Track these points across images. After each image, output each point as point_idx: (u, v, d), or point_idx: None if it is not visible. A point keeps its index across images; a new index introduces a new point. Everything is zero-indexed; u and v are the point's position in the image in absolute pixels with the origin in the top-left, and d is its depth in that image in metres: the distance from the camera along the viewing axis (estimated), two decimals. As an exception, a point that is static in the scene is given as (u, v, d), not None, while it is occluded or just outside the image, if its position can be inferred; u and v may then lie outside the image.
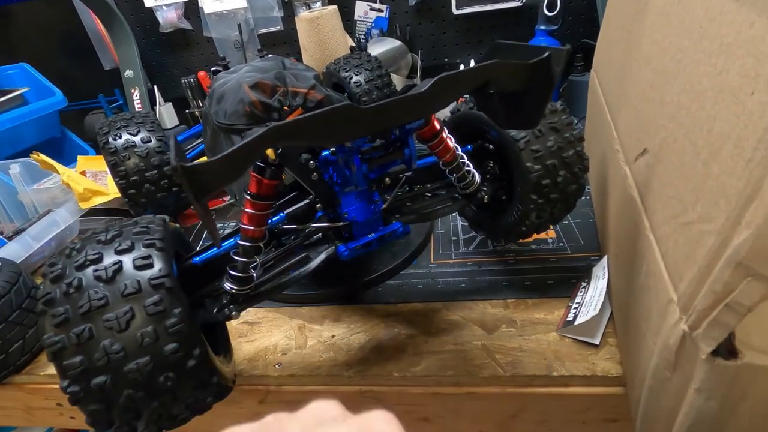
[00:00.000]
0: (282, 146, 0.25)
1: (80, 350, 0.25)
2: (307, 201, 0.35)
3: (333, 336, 0.45)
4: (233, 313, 0.33)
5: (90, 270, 0.27)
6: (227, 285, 0.32)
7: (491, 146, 0.43)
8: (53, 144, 0.90)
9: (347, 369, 0.41)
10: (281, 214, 0.35)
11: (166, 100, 1.00)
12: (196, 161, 0.19)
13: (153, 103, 0.96)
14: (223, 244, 0.33)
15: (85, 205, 0.68)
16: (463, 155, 0.38)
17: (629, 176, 0.33)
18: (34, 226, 0.66)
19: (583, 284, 0.44)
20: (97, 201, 0.69)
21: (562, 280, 0.48)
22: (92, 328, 0.25)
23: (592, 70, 0.55)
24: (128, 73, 0.90)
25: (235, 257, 0.31)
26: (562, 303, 0.45)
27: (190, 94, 0.97)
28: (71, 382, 0.25)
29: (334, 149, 0.32)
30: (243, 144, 0.19)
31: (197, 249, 0.35)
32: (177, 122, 1.02)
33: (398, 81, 0.85)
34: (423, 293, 0.49)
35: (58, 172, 0.67)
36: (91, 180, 0.72)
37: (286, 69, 0.46)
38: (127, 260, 0.27)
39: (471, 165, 0.39)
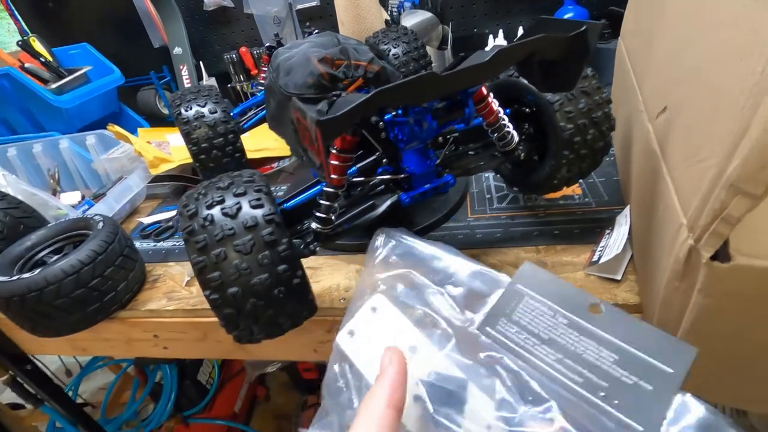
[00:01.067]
0: (384, 105, 0.31)
1: (218, 267, 0.33)
2: (373, 158, 0.42)
3: (387, 277, 0.53)
4: (317, 249, 0.40)
5: (218, 208, 0.34)
6: (313, 225, 0.39)
7: (527, 109, 0.48)
8: (113, 118, 0.98)
9: (402, 302, 0.49)
10: (353, 168, 0.42)
11: (209, 75, 1.07)
12: (328, 116, 0.25)
13: (199, 78, 1.03)
14: (308, 192, 0.41)
15: (155, 171, 0.76)
16: (504, 117, 0.44)
17: (651, 132, 0.38)
18: (112, 190, 0.74)
19: (608, 231, 0.51)
20: (164, 168, 0.77)
21: (588, 229, 0.54)
22: (226, 251, 0.33)
23: (619, 38, 0.59)
24: (177, 50, 0.97)
25: (320, 201, 0.38)
26: (588, 248, 0.51)
27: (232, 69, 1.04)
28: (212, 291, 0.33)
29: (397, 112, 0.38)
30: (358, 103, 0.25)
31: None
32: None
33: (431, 52, 0.90)
34: (462, 242, 0.56)
35: (130, 142, 0.75)
36: (157, 149, 0.80)
37: (341, 44, 0.52)
38: (244, 202, 0.35)
39: (511, 126, 0.45)
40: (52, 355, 1.20)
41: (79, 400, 1.26)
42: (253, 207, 0.35)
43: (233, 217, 0.34)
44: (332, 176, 0.37)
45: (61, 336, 0.54)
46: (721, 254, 0.26)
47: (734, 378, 0.33)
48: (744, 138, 0.23)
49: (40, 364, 0.74)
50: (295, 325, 0.40)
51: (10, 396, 0.79)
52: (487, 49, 0.41)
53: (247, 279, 0.33)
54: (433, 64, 0.86)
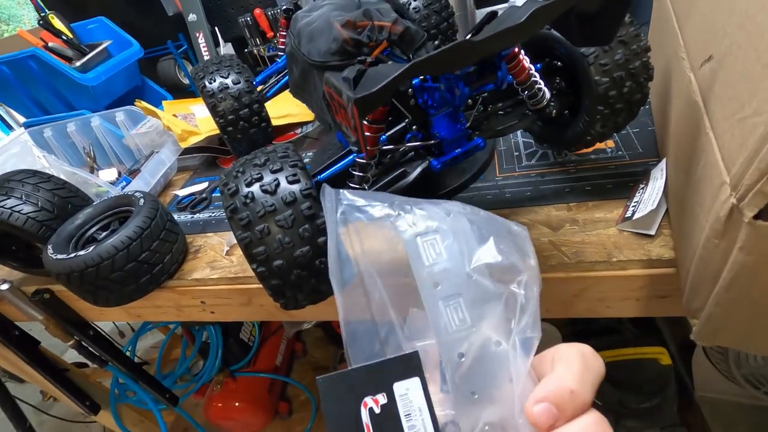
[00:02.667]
0: (417, 77, 0.31)
1: (262, 242, 0.35)
2: (402, 124, 0.42)
3: (418, 240, 0.54)
4: (352, 218, 0.42)
5: (257, 186, 0.36)
6: (347, 196, 0.40)
7: (559, 63, 0.47)
8: (137, 92, 0.99)
9: (435, 264, 0.50)
10: (383, 137, 0.42)
11: (225, 41, 1.05)
12: (364, 93, 0.25)
13: (216, 44, 1.01)
14: (340, 164, 0.41)
15: (184, 145, 0.78)
16: (535, 73, 0.43)
17: (693, 82, 0.37)
18: (146, 165, 0.77)
19: (642, 185, 0.50)
20: (193, 140, 0.79)
21: (621, 184, 0.53)
22: (269, 227, 0.35)
23: (659, -26, 0.55)
24: (192, 17, 0.95)
25: (353, 172, 0.39)
26: (621, 203, 0.50)
27: (247, 33, 1.02)
28: (259, 264, 0.35)
29: (426, 78, 0.38)
30: (392, 78, 0.25)
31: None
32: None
33: (453, 3, 0.85)
34: (492, 202, 0.56)
35: (158, 117, 0.76)
36: (184, 122, 0.81)
37: (362, 4, 0.51)
38: (281, 178, 0.36)
39: (542, 82, 0.43)
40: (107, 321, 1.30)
41: (135, 359, 1.38)
42: (291, 182, 0.36)
43: (272, 193, 0.35)
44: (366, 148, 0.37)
45: (120, 305, 0.59)
46: (765, 212, 0.26)
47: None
48: (798, 94, 0.22)
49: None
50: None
51: (73, 356, 0.87)
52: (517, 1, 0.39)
53: (291, 252, 0.35)
54: (456, 14, 0.82)
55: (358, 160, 0.38)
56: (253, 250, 0.35)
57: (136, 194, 0.60)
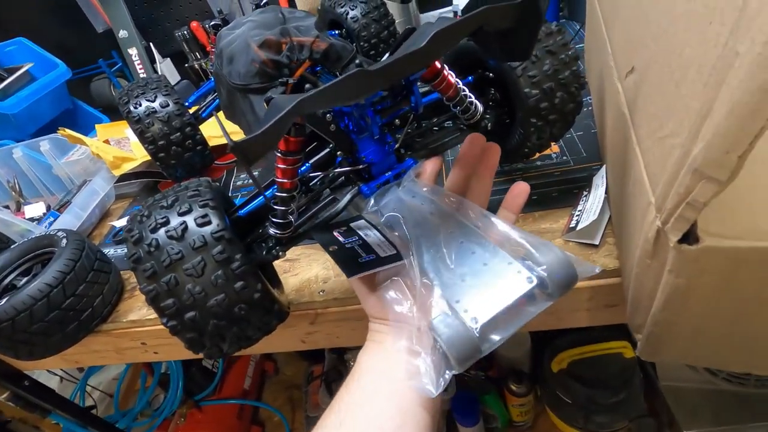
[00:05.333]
0: (308, 113, 0.28)
1: (171, 294, 0.31)
2: (327, 150, 0.39)
3: (364, 263, 0.52)
4: (280, 253, 0.39)
5: (162, 231, 0.32)
6: (271, 230, 0.37)
7: (491, 74, 0.45)
8: (67, 116, 0.92)
9: (381, 289, 0.48)
10: (306, 164, 0.39)
11: (163, 57, 1.00)
12: (243, 138, 0.23)
13: (152, 61, 0.96)
14: (261, 196, 0.38)
15: (117, 172, 0.73)
16: (465, 88, 0.41)
17: (621, 92, 0.36)
18: (78, 197, 0.71)
19: (585, 193, 0.49)
20: (127, 167, 0.74)
21: (566, 191, 0.52)
22: (176, 277, 0.31)
23: (589, -25, 0.54)
24: (122, 33, 0.90)
25: (274, 207, 0.36)
26: (566, 212, 0.49)
27: (186, 47, 0.97)
28: (169, 319, 0.32)
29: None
30: (276, 120, 0.23)
31: (240, 202, 0.40)
32: (178, 77, 1.03)
33: (394, 9, 0.83)
34: (439, 218, 0.54)
35: (86, 145, 0.71)
36: (116, 147, 0.76)
37: (287, 20, 0.48)
38: (189, 220, 0.33)
39: (473, 96, 0.41)
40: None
41: (95, 393, 1.30)
42: (200, 225, 0.32)
43: (179, 239, 0.32)
44: (281, 180, 0.34)
45: (47, 357, 0.54)
46: (690, 236, 0.25)
47: (713, 345, 0.33)
48: (708, 118, 0.20)
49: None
50: (266, 333, 0.39)
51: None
52: (447, 11, 0.37)
53: (203, 302, 0.32)
54: (397, 21, 0.80)
55: (277, 194, 0.35)
56: (160, 304, 0.32)
57: (59, 234, 0.55)
